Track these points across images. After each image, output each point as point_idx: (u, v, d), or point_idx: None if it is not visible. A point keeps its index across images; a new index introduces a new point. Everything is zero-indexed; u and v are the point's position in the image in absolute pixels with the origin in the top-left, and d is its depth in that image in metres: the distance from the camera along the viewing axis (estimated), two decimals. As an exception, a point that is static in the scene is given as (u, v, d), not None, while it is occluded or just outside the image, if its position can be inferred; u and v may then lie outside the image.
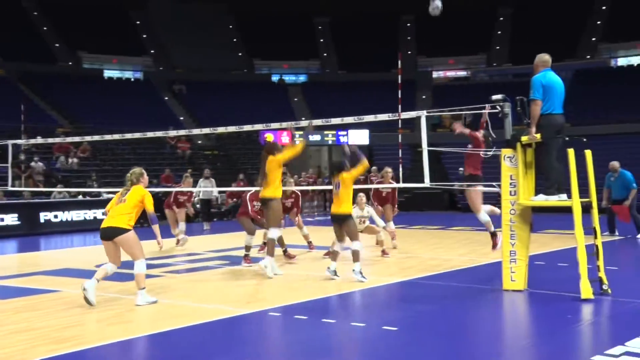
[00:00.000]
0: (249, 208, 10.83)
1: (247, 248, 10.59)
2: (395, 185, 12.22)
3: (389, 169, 12.48)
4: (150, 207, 7.67)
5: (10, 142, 14.60)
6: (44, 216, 17.35)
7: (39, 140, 18.38)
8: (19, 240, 15.65)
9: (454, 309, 7.15)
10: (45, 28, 36.35)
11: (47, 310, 7.26)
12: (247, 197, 10.93)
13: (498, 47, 39.73)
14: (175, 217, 13.71)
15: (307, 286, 8.59)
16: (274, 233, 9.29)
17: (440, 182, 9.72)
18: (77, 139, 19.82)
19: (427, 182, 9.37)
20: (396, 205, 12.62)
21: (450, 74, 39.38)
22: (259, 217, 10.72)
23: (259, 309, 7.08)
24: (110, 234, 7.54)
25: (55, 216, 17.59)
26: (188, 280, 9.29)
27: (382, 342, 5.76)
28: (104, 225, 7.64)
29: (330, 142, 31.09)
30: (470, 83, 37.41)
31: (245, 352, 5.52)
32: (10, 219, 16.59)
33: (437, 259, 10.93)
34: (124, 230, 7.49)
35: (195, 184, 18.46)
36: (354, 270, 8.82)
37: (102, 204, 18.43)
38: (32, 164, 21.06)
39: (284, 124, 11.85)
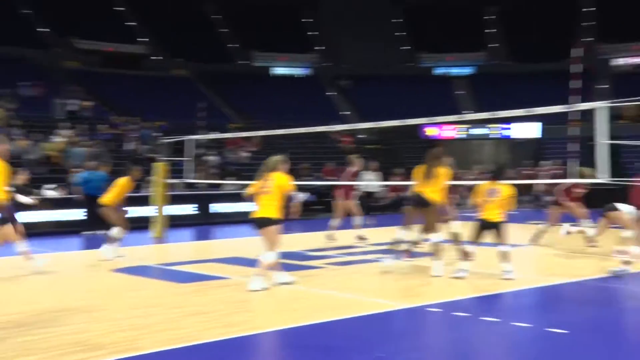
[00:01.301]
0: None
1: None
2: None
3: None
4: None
5: (186, 137, 15.73)
6: (212, 207, 18.45)
7: (214, 135, 19.64)
8: (196, 229, 16.83)
9: (635, 315, 6.51)
10: (223, 30, 38.80)
11: (217, 296, 7.70)
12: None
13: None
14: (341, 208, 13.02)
15: (469, 283, 8.31)
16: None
17: (618, 177, 8.88)
18: (247, 133, 20.90)
19: (606, 178, 8.63)
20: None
21: (635, 61, 36.11)
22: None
23: (417, 304, 6.96)
24: (260, 224, 7.92)
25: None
26: (346, 272, 9.38)
27: (549, 345, 5.39)
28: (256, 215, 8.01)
29: (491, 135, 30.03)
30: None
31: (402, 347, 5.45)
32: (191, 209, 17.91)
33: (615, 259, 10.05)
34: (273, 221, 7.84)
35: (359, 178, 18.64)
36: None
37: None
38: (209, 157, 22.51)
39: (449, 118, 11.54)
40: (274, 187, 7.98)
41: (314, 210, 20.68)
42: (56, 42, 32.66)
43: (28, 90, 24.57)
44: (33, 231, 14.85)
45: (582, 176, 11.68)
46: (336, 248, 12.03)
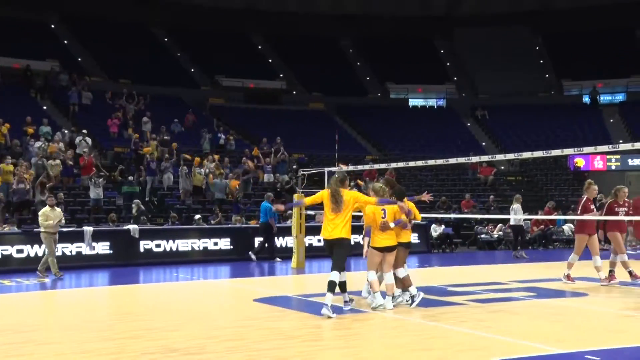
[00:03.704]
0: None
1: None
2: None
3: None
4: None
5: (326, 169, 15.94)
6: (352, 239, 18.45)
7: (350, 167, 19.73)
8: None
9: None
10: (358, 64, 39.40)
11: (356, 330, 7.55)
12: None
13: None
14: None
15: (634, 328, 7.53)
16: None
17: None
18: (383, 165, 20.84)
19: None
20: None
21: None
22: None
23: (573, 350, 6.37)
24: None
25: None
26: (489, 310, 8.88)
27: None
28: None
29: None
30: None
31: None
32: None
33: None
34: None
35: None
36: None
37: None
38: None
39: (599, 148, 10.79)
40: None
41: (453, 244, 20.13)
42: (204, 81, 34.81)
43: (178, 127, 26.29)
44: (183, 259, 15.75)
45: None
46: (479, 284, 11.49)
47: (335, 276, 8.22)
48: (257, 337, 7.12)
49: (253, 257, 16.05)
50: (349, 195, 8.35)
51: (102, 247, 15.02)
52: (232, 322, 8.10)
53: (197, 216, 17.73)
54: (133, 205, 17.66)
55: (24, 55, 28.82)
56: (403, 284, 8.88)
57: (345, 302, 8.68)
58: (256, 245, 16.46)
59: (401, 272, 8.86)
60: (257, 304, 9.56)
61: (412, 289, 8.84)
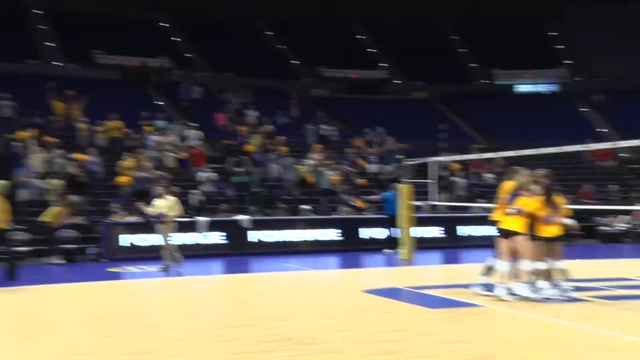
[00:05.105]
0: None
1: None
2: None
3: None
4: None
5: (430, 159, 15.61)
6: (460, 230, 18.05)
7: (456, 157, 19.26)
8: (442, 252, 16.52)
9: None
10: (461, 50, 38.33)
11: (470, 324, 7.31)
12: None
13: None
14: None
15: None
16: None
17: None
18: (491, 155, 20.13)
19: None
20: None
21: None
22: None
23: None
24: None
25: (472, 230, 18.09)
26: (618, 308, 8.29)
27: None
28: None
29: None
30: None
31: None
32: (437, 231, 17.74)
33: None
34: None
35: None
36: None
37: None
38: (453, 179, 22.10)
39: None
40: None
41: (573, 236, 19.11)
42: (306, 72, 35.10)
43: (282, 118, 26.64)
44: (291, 249, 15.98)
45: None
46: (604, 279, 10.79)
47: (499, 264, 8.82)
48: (369, 328, 7.04)
49: (387, 251, 15.89)
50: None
51: (219, 237, 15.54)
52: (342, 313, 8.08)
53: (305, 207, 17.88)
54: (191, 197, 17.60)
55: (139, 53, 30.25)
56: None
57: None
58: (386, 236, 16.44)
59: (527, 265, 8.57)
60: (367, 295, 9.49)
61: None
